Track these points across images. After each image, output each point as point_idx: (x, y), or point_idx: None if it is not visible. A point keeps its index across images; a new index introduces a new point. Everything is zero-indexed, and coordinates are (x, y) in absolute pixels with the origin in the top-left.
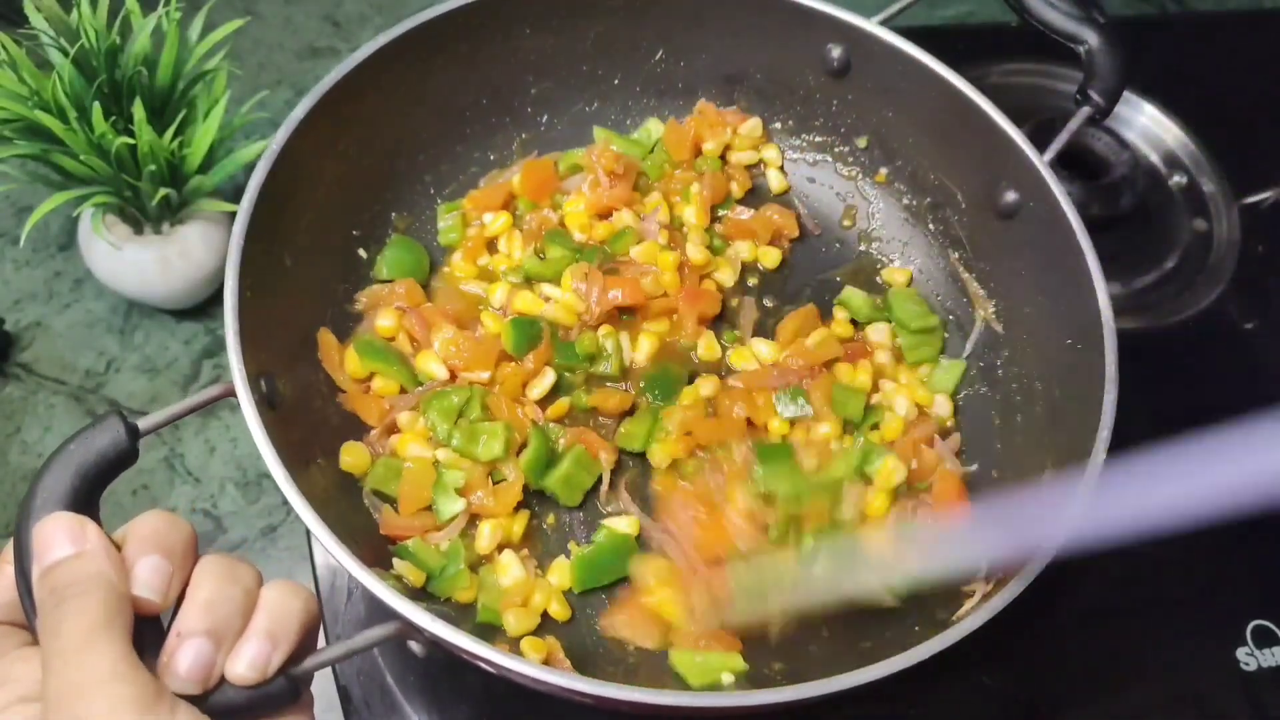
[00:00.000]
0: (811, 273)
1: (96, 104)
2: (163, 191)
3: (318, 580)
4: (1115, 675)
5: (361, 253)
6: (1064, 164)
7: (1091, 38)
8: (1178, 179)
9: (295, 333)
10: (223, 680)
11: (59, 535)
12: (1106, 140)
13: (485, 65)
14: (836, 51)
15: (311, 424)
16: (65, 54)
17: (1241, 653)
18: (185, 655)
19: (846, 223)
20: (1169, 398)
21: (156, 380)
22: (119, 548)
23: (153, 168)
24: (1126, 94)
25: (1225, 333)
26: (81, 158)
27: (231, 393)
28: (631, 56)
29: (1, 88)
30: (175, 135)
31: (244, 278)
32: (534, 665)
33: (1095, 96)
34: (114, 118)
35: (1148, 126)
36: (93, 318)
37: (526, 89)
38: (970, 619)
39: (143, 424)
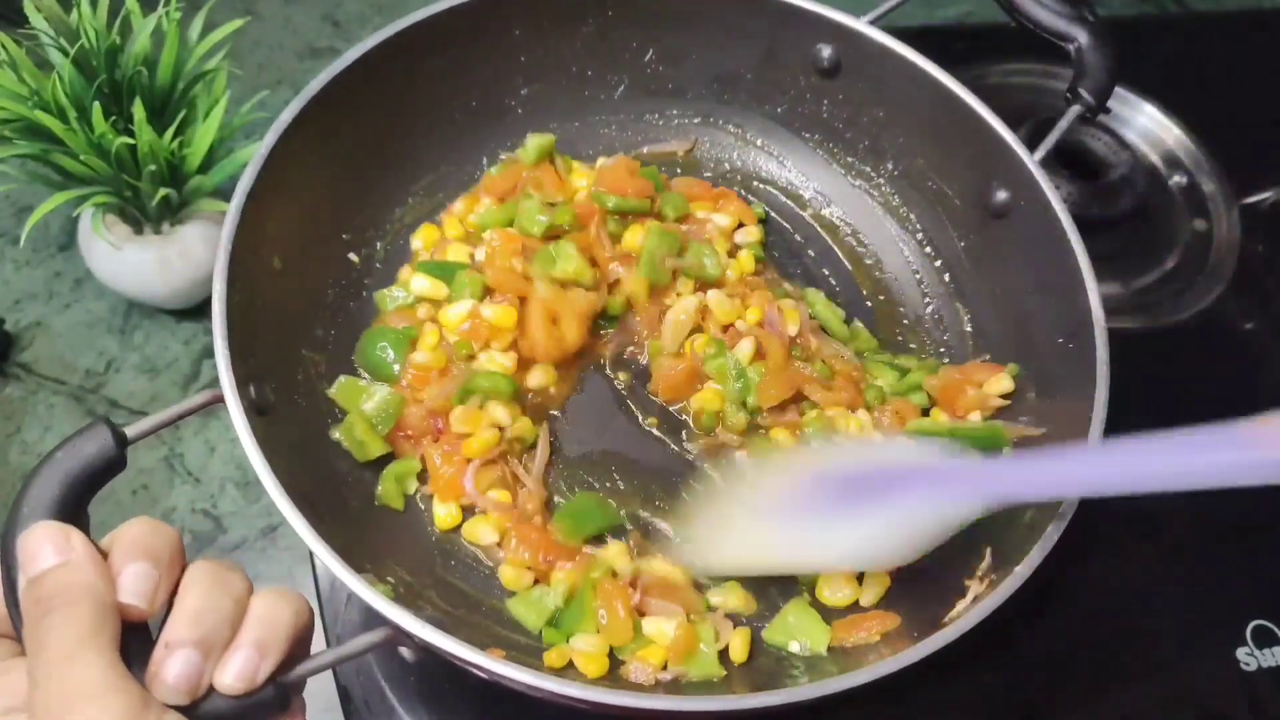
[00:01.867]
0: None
1: (96, 104)
2: (163, 191)
3: (318, 581)
4: (1115, 675)
5: (352, 257)
6: (1064, 164)
7: (1081, 36)
8: (1178, 179)
9: (285, 337)
10: (211, 689)
11: (44, 545)
12: (1106, 140)
13: (475, 67)
14: (826, 51)
15: (303, 428)
16: (65, 54)
17: (1241, 653)
18: (173, 666)
19: (840, 223)
20: (1169, 398)
21: (156, 380)
22: (105, 555)
23: (153, 168)
24: (1126, 94)
25: (1225, 333)
26: (81, 158)
27: (220, 399)
28: (621, 58)
29: (1, 88)
30: (175, 135)
31: (233, 282)
32: (524, 670)
33: (1085, 94)
34: (114, 118)
35: (1148, 126)
36: (93, 318)
37: (517, 90)
38: (965, 618)
39: (130, 431)
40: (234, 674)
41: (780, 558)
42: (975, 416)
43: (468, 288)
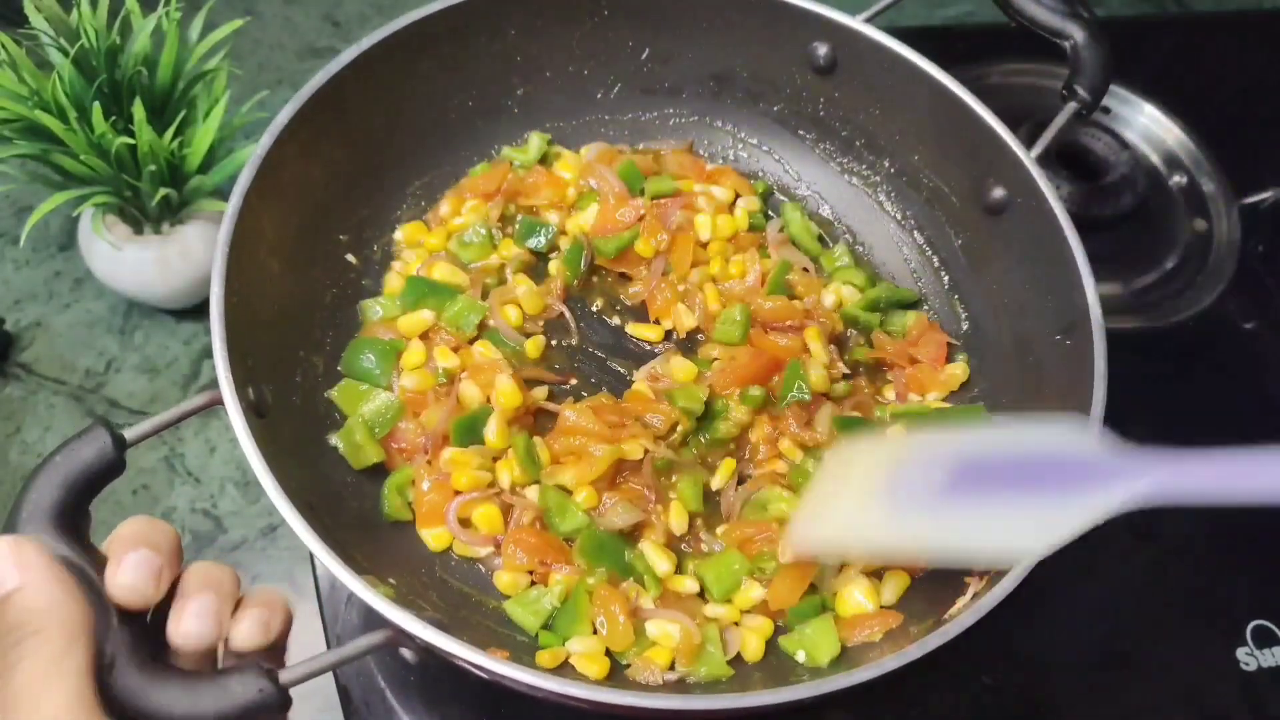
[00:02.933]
0: None
1: (96, 104)
2: (163, 191)
3: (318, 581)
4: (1115, 675)
5: (350, 258)
6: (1064, 165)
7: (1077, 33)
8: (1178, 179)
9: (284, 339)
10: (219, 675)
11: (4, 565)
12: (1106, 140)
13: (471, 68)
14: (822, 49)
15: (302, 430)
16: (65, 54)
17: (1241, 653)
18: (188, 619)
19: (834, 220)
20: (1169, 398)
21: (156, 380)
22: (105, 558)
23: (153, 168)
24: (1126, 94)
25: (1225, 333)
26: (81, 158)
27: (219, 401)
28: (618, 57)
29: (1, 88)
30: (175, 135)
31: (231, 283)
32: (528, 671)
33: (1081, 91)
34: (114, 118)
35: (1148, 126)
36: (93, 318)
37: (513, 90)
38: (964, 615)
39: (130, 434)
40: (248, 628)
41: (891, 542)
42: (932, 396)
43: (467, 315)
